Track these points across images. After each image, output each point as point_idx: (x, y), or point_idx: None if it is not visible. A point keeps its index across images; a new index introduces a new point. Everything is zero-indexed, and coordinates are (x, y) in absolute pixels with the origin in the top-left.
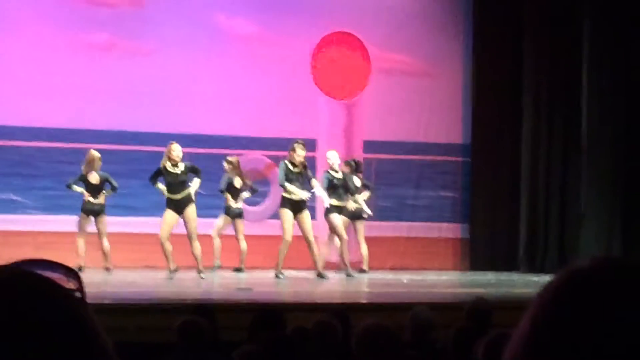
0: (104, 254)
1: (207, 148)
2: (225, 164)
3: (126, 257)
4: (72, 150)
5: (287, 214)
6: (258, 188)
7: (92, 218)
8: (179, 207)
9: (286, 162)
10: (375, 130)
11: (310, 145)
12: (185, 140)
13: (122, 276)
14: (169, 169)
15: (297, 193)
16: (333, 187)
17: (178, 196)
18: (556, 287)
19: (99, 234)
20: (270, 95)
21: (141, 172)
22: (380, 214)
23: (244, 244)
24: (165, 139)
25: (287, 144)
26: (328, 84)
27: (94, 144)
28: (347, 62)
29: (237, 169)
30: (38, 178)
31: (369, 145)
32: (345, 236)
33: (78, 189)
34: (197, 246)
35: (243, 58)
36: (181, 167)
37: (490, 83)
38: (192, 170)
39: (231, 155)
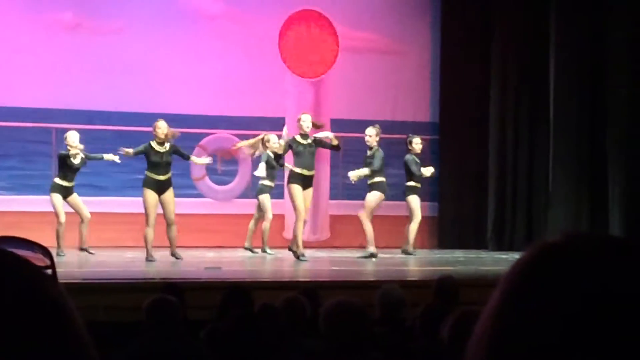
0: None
1: (174, 127)
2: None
3: (94, 236)
4: (38, 129)
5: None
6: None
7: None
8: (161, 188)
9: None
10: (342, 108)
11: (278, 123)
12: (152, 119)
13: (90, 256)
14: (154, 147)
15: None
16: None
17: (162, 177)
18: (526, 262)
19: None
20: (238, 73)
21: (108, 152)
22: (348, 193)
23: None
24: (132, 118)
25: (255, 123)
26: (296, 62)
27: (60, 124)
28: (315, 41)
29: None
30: (5, 158)
31: (337, 124)
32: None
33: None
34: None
35: (210, 36)
36: (167, 146)
37: (457, 61)
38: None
39: (200, 133)
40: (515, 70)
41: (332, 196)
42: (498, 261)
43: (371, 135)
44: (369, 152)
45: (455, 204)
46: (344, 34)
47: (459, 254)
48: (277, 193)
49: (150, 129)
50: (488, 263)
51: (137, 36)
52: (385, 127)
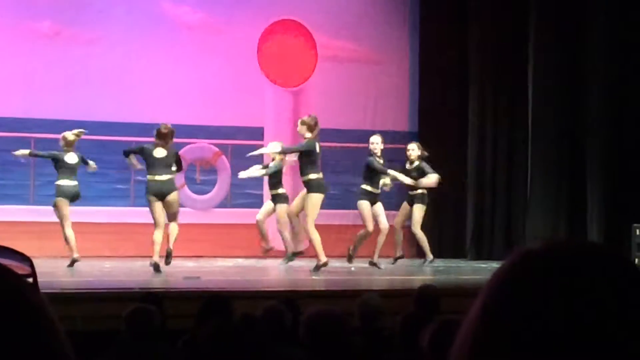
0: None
1: (152, 137)
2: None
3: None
4: (16, 139)
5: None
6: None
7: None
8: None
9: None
10: (322, 118)
11: (257, 133)
12: (130, 129)
13: (69, 265)
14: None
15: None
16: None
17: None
18: (508, 270)
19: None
20: (217, 83)
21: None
22: (328, 202)
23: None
24: (110, 127)
25: (233, 133)
26: (274, 72)
27: (39, 133)
28: (294, 50)
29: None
30: None
31: None
32: (370, 227)
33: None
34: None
35: (189, 46)
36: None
37: (436, 70)
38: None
39: (179, 143)
40: (494, 79)
41: None
42: (477, 270)
43: (378, 142)
44: (376, 163)
45: (434, 213)
46: (323, 44)
47: (438, 263)
48: (257, 202)
49: (128, 138)
50: (467, 272)
51: (116, 45)
52: (365, 136)
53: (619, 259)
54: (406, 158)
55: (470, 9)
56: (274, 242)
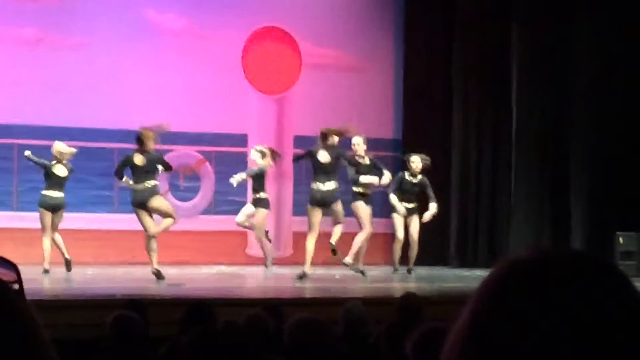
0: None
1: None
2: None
3: (54, 253)
4: (0, 145)
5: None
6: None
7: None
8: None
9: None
10: (306, 125)
11: (240, 140)
12: (114, 135)
13: (52, 273)
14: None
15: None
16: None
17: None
18: (496, 279)
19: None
20: (201, 90)
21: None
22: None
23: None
24: (94, 134)
25: (217, 139)
26: (259, 79)
27: (22, 140)
28: (278, 57)
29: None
30: None
31: (300, 141)
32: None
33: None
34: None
35: (173, 53)
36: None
37: (421, 78)
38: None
39: (162, 149)
40: (478, 87)
41: (296, 212)
42: (461, 278)
43: (359, 144)
44: (362, 161)
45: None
46: (307, 51)
47: (421, 270)
48: (236, 210)
49: (113, 144)
50: (451, 280)
51: (100, 52)
52: (349, 144)
53: (605, 265)
54: (408, 169)
55: (456, 19)
56: (254, 249)
